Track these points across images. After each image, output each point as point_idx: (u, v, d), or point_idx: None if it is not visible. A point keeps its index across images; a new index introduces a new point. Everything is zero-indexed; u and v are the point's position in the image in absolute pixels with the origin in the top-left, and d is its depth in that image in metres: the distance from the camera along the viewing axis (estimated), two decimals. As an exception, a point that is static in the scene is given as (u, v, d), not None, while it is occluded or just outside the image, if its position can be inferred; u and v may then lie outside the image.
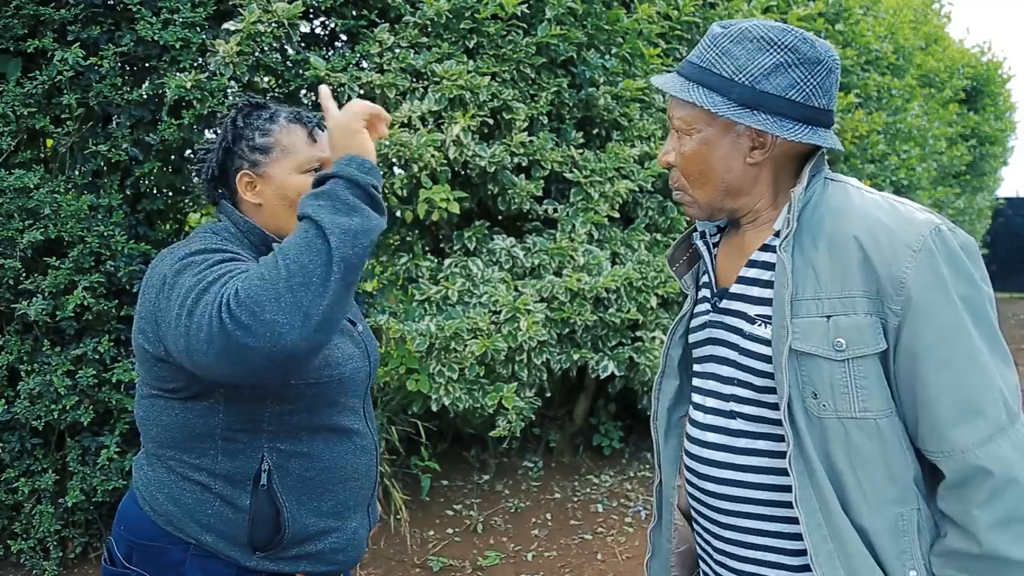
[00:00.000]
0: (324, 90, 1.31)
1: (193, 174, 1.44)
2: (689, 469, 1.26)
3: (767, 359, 1.12)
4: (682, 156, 1.17)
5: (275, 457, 1.31)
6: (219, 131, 1.42)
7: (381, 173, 1.24)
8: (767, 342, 1.13)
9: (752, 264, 1.19)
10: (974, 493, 1.02)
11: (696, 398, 1.26)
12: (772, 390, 1.12)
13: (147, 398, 1.34)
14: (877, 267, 1.05)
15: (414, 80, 3.23)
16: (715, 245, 1.29)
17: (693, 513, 1.28)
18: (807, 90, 1.11)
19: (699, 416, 1.24)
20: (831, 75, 1.13)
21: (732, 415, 1.18)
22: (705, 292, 1.28)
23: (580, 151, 3.58)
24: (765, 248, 1.18)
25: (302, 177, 1.37)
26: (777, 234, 1.16)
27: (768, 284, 1.15)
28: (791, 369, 1.08)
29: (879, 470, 1.07)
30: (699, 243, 1.28)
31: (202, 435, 1.30)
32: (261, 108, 1.43)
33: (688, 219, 3.93)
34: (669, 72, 1.23)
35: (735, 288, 1.20)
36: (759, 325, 1.14)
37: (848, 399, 1.06)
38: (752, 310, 1.16)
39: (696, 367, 1.28)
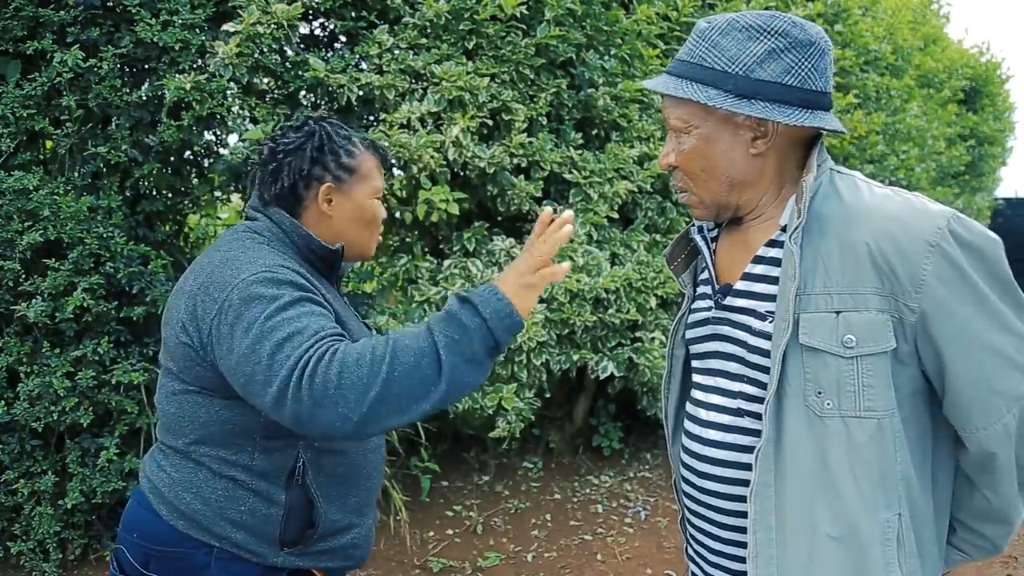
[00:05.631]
0: (547, 214, 1.22)
1: (257, 168, 1.44)
2: (687, 467, 1.24)
3: None
4: (682, 155, 1.16)
5: (310, 454, 1.34)
6: (298, 136, 1.41)
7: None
8: None
9: (759, 260, 1.17)
10: None
11: (698, 395, 1.24)
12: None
13: (181, 394, 1.32)
14: (894, 263, 1.04)
15: (413, 81, 3.23)
16: (714, 240, 1.27)
17: (687, 514, 1.26)
18: (802, 74, 1.09)
19: (701, 413, 1.22)
20: (824, 56, 1.11)
21: (739, 413, 1.16)
22: (705, 289, 1.26)
23: (579, 152, 3.58)
24: (772, 244, 1.16)
25: (374, 202, 1.45)
26: (783, 229, 1.15)
27: (776, 280, 1.13)
28: (795, 365, 1.07)
29: (875, 471, 1.06)
30: (697, 237, 1.25)
31: (242, 432, 1.30)
32: (339, 127, 1.45)
33: (688, 219, 3.93)
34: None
35: (741, 285, 1.18)
36: (771, 322, 1.12)
37: (853, 397, 1.05)
38: (762, 307, 1.14)
39: (697, 364, 1.26)
